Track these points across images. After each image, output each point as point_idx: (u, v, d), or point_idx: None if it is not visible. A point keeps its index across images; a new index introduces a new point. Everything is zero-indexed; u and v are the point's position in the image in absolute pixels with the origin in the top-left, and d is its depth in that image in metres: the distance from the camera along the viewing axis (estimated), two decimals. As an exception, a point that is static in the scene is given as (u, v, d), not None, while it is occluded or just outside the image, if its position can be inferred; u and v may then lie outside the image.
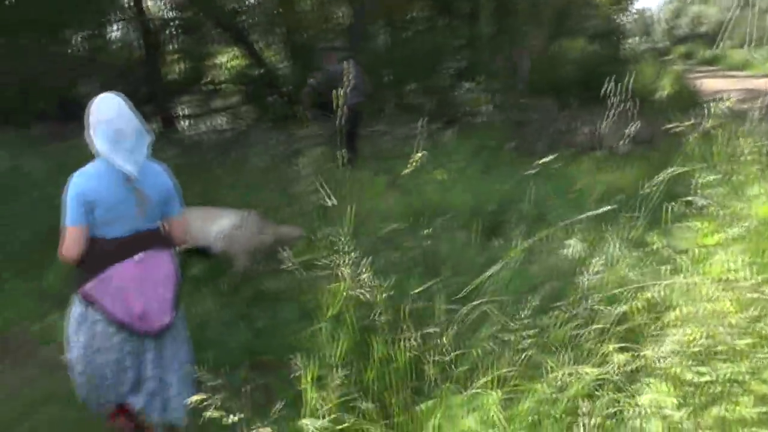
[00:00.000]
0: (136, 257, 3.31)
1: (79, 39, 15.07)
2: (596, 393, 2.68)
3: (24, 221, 6.78)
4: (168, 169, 3.49)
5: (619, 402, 2.66)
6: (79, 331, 3.44)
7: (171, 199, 3.48)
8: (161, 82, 15.19)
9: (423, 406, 2.79)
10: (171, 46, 17.56)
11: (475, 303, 3.18)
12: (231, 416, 2.29)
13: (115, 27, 16.70)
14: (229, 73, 20.01)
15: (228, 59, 20.23)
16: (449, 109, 14.11)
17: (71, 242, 3.28)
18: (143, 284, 3.30)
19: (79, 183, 3.26)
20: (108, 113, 3.26)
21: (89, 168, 3.31)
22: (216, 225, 5.69)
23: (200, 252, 5.77)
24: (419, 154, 3.05)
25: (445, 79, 17.05)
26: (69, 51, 14.56)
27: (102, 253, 3.30)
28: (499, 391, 2.69)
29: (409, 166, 3.08)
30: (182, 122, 16.57)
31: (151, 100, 15.28)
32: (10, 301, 5.88)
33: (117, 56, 16.48)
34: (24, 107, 11.94)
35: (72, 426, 4.04)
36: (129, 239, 3.32)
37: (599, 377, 2.67)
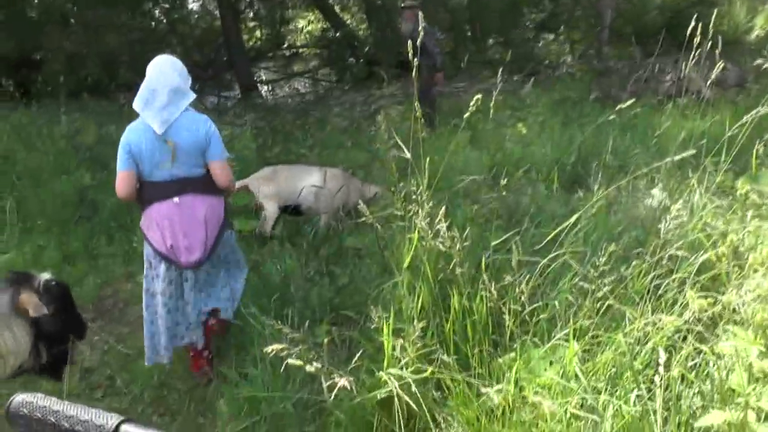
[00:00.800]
0: (175, 199, 3.78)
1: (158, 12, 15.40)
2: (678, 344, 2.63)
3: (111, 188, 7.04)
4: (208, 120, 3.88)
5: (701, 353, 2.60)
6: (146, 263, 4.07)
7: (208, 147, 3.84)
8: (242, 50, 15.37)
9: (502, 358, 2.80)
10: (250, 13, 17.77)
11: (554, 254, 3.15)
12: (310, 365, 2.35)
13: (192, -1, 17.00)
14: (307, 38, 20.13)
15: (306, 23, 20.36)
16: (530, 62, 13.82)
17: (120, 184, 3.86)
18: (176, 223, 3.78)
19: (126, 136, 3.82)
20: (149, 75, 3.82)
21: (135, 123, 3.85)
22: (303, 183, 5.75)
23: (291, 210, 5.86)
24: (477, 97, 3.01)
25: (525, 31, 16.72)
26: (151, 24, 14.88)
27: (148, 194, 3.89)
28: (578, 343, 2.66)
29: (469, 109, 3.04)
30: (263, 87, 16.78)
31: (231, 67, 15.53)
32: (101, 265, 6.16)
33: (196, 26, 16.77)
34: (109, 79, 12.31)
35: (161, 378, 4.27)
36: (168, 183, 3.80)
37: (680, 328, 2.61)
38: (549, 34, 16.42)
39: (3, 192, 7.05)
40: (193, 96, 3.85)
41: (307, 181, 5.78)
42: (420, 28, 7.08)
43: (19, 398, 1.02)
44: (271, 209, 5.84)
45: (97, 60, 11.90)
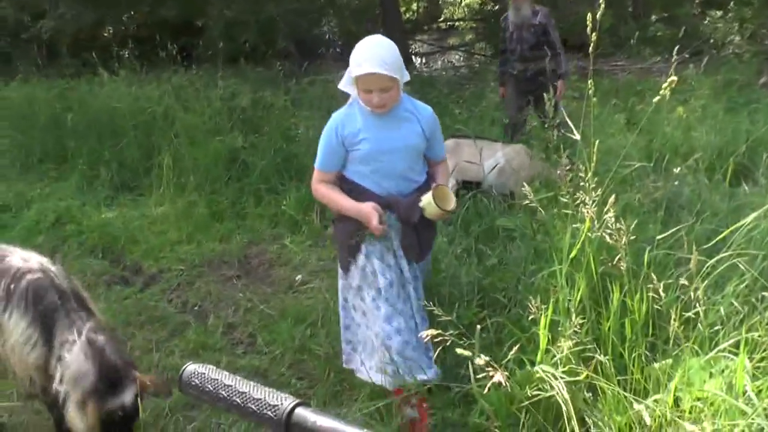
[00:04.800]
0: None
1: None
2: None
3: (263, 151, 7.23)
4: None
5: None
6: None
7: None
8: (398, 22, 15.38)
9: (660, 364, 2.61)
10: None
11: (722, 254, 2.90)
12: (479, 357, 2.26)
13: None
14: (465, 11, 19.96)
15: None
16: (694, 41, 13.05)
17: None
18: None
19: None
20: None
21: None
22: (488, 159, 5.55)
23: (471, 185, 5.67)
24: (672, 79, 2.69)
25: (691, 7, 15.81)
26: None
27: None
28: (748, 357, 2.43)
29: (662, 91, 2.76)
30: (418, 60, 16.78)
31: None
32: (249, 224, 6.35)
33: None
34: (266, 46, 12.65)
35: (303, 343, 4.31)
36: None
37: None
38: (717, 11, 15.43)
39: (162, 149, 7.38)
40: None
41: (493, 158, 5.59)
42: (536, 13, 6.23)
43: (191, 368, 1.04)
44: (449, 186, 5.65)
45: (256, 27, 12.25)
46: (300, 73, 11.33)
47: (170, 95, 8.58)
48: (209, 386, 1.01)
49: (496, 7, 17.03)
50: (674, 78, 2.60)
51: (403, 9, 17.64)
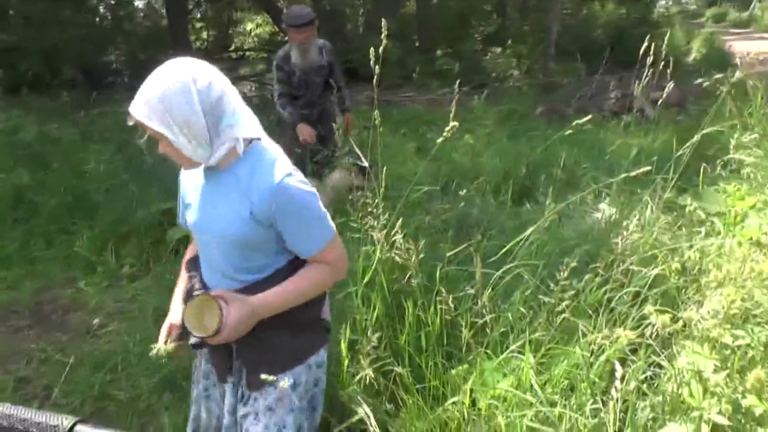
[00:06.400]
0: None
1: (104, 8, 15.15)
2: (630, 357, 2.66)
3: (51, 189, 6.85)
4: None
5: (654, 366, 2.65)
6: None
7: None
8: (188, 50, 15.21)
9: (456, 370, 2.79)
10: (197, 14, 17.61)
11: (508, 266, 3.16)
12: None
13: (140, -5, 16.78)
14: (255, 41, 20.03)
15: (254, 26, 20.26)
16: (478, 75, 13.98)
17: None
18: None
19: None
20: (224, 82, 2.13)
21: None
22: None
23: None
24: (453, 124, 2.82)
25: (473, 44, 16.93)
26: (95, 20, 14.59)
27: None
28: (533, 355, 2.67)
29: (444, 134, 2.91)
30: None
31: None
32: (40, 269, 5.95)
33: (141, 25, 16.55)
34: (50, 75, 12.05)
35: (103, 389, 4.10)
36: None
37: (633, 341, 2.64)
38: (497, 47, 16.63)
39: (-67, 190, 6.81)
40: None
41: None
42: (322, 51, 6.08)
43: None
44: None
45: (39, 55, 11.62)
46: (89, 103, 10.86)
47: (-59, 127, 7.96)
48: (-10, 419, 1.02)
49: (286, 38, 17.31)
50: (455, 124, 2.77)
51: (193, 38, 17.48)
